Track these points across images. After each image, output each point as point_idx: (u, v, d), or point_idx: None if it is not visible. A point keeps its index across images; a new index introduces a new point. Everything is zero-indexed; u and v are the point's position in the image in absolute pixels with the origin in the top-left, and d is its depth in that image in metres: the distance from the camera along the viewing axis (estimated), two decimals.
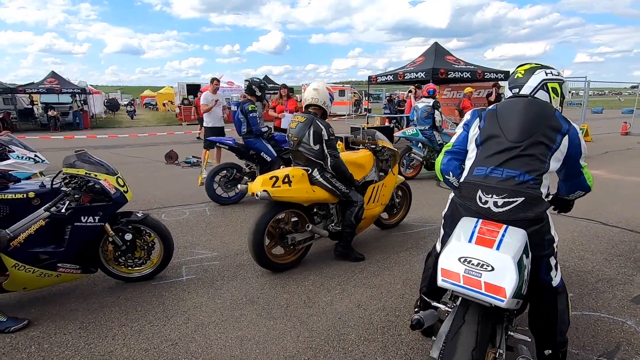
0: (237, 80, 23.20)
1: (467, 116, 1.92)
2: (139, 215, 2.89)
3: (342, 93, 25.37)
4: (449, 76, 9.67)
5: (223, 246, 3.74)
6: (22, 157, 3.95)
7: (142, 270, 2.99)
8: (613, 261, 3.27)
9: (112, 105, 30.38)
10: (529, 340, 1.60)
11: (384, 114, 14.49)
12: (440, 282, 1.40)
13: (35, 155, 4.14)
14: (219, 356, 2.14)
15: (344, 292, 2.82)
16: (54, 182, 2.58)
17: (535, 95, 1.76)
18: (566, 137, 1.65)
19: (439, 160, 1.99)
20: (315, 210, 3.30)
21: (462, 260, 1.38)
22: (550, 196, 1.87)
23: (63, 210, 2.45)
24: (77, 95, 19.05)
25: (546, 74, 1.78)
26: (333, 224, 3.34)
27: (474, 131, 1.81)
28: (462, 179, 1.79)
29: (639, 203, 4.62)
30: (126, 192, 2.79)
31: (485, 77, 10.14)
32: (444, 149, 2.00)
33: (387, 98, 16.62)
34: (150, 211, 4.53)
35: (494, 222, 1.55)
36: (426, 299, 1.92)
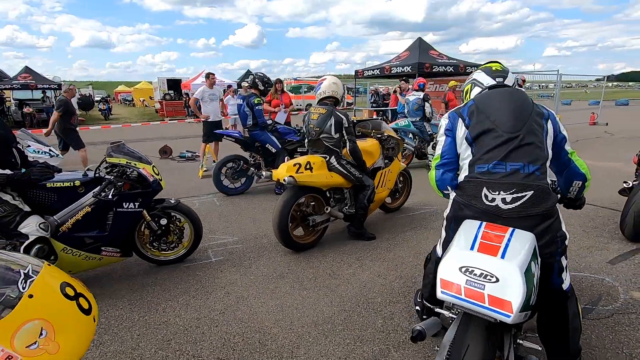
0: (217, 74, 22.88)
1: (445, 121, 1.81)
2: (172, 201, 3.11)
3: None
4: (433, 70, 10.13)
5: (241, 232, 3.98)
6: (39, 152, 4.04)
7: (174, 253, 3.20)
8: (590, 232, 3.75)
9: (85, 103, 24.00)
10: (540, 348, 1.49)
11: (372, 106, 15.15)
12: (439, 294, 1.29)
13: (50, 150, 4.22)
14: (265, 320, 2.42)
15: (364, 266, 3.14)
16: (97, 171, 2.76)
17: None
18: (549, 121, 1.64)
19: (432, 176, 1.85)
20: (330, 194, 3.59)
21: (463, 270, 1.27)
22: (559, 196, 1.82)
23: (110, 197, 2.64)
24: (47, 91, 18.42)
25: (515, 79, 1.88)
26: (347, 207, 3.65)
27: (462, 131, 1.72)
28: (461, 179, 1.69)
29: (609, 184, 5.18)
30: (161, 180, 3.00)
31: (467, 71, 10.66)
32: (434, 164, 1.84)
33: (372, 92, 17.50)
34: None
35: (499, 226, 1.47)
36: (428, 305, 1.91)
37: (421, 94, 6.83)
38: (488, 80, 1.84)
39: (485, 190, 1.55)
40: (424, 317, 2.09)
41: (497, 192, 1.52)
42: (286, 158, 5.31)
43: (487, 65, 1.92)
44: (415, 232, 3.87)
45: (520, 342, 1.51)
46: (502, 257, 1.28)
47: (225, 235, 3.90)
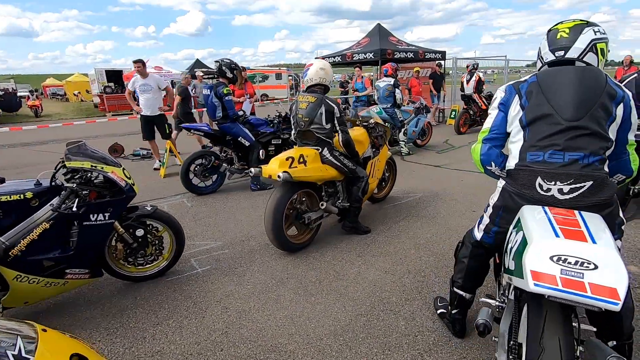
0: (165, 65, 21.24)
1: (501, 93, 1.66)
2: (148, 208, 2.69)
3: (278, 76, 25.00)
4: (395, 56, 10.12)
5: (223, 235, 3.61)
6: None
7: (154, 267, 2.79)
8: None
9: (8, 103, 18.97)
10: (595, 330, 1.46)
11: None
12: (532, 286, 1.18)
13: None
14: (276, 336, 2.15)
15: (367, 262, 2.96)
16: (53, 179, 2.27)
17: (584, 59, 1.53)
18: (621, 105, 1.47)
19: (477, 150, 1.72)
20: (323, 189, 3.34)
21: (555, 259, 1.19)
22: None
23: (75, 209, 2.18)
24: None
25: (594, 32, 1.52)
26: (340, 201, 3.43)
27: (515, 110, 1.59)
28: (511, 166, 1.61)
29: None
30: (133, 184, 2.56)
31: (426, 57, 10.81)
32: (480, 137, 1.72)
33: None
34: None
35: (562, 209, 1.41)
36: (461, 293, 1.91)
37: (392, 80, 6.73)
38: (547, 54, 1.60)
39: (539, 179, 1.49)
40: (453, 311, 2.04)
41: (553, 182, 1.47)
42: (261, 151, 4.97)
43: (555, 27, 1.61)
44: (408, 221, 3.76)
45: (575, 324, 1.39)
46: (594, 242, 1.20)
47: (206, 240, 3.51)
